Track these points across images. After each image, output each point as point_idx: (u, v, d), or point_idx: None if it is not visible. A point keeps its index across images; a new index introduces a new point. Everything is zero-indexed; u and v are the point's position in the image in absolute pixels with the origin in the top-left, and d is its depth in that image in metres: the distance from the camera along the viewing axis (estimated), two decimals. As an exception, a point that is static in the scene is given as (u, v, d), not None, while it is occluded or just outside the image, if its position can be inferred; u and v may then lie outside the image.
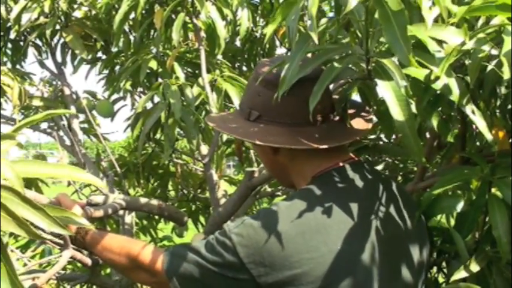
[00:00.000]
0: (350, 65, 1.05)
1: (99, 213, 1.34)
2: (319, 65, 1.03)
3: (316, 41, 0.90)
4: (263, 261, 0.96)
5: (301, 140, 1.07)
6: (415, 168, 1.47)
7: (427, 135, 1.35)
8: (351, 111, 1.18)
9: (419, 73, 0.90)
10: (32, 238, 0.66)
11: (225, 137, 2.39)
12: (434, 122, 1.01)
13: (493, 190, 1.05)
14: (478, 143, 1.30)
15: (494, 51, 0.87)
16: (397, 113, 0.91)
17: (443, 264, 1.25)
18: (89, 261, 1.39)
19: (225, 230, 1.02)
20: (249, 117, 1.14)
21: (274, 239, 0.96)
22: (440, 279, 1.27)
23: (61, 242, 1.23)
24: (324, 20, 1.24)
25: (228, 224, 1.03)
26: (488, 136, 0.92)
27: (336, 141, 1.09)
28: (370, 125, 1.17)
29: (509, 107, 1.10)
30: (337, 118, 1.16)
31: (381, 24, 0.87)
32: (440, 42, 0.91)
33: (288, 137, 1.08)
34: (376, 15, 0.94)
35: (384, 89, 0.92)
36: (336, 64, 0.96)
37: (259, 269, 0.97)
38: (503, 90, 1.05)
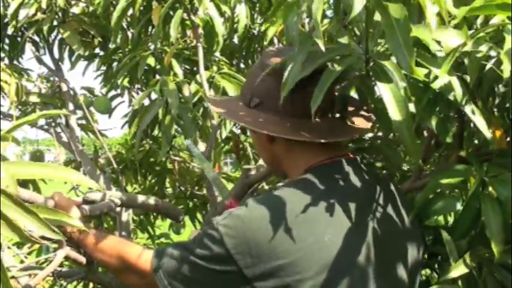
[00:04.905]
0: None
1: (94, 211, 1.34)
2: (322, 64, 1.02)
3: (323, 48, 0.89)
4: (250, 251, 0.95)
5: (300, 132, 1.06)
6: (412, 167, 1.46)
7: (425, 133, 1.34)
8: (350, 108, 1.17)
9: (419, 73, 0.89)
10: (24, 241, 0.66)
11: (223, 134, 2.38)
12: (433, 122, 1.01)
13: (490, 189, 1.04)
14: (476, 142, 1.29)
15: (493, 52, 0.87)
16: (394, 113, 0.90)
17: (436, 265, 1.23)
18: (83, 259, 1.38)
19: (212, 223, 1.01)
20: (250, 104, 1.14)
21: (261, 229, 0.95)
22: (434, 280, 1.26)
23: (55, 239, 1.22)
24: (325, 21, 1.24)
25: (216, 217, 1.02)
26: (488, 134, 0.92)
27: (335, 136, 1.08)
28: (370, 124, 1.16)
29: (507, 105, 1.09)
30: (337, 115, 1.15)
31: (384, 31, 0.87)
32: (439, 43, 0.91)
33: (287, 127, 1.08)
34: (376, 17, 0.93)
35: (383, 90, 0.92)
36: (335, 66, 0.95)
37: (246, 259, 0.95)
38: (501, 88, 1.05)
